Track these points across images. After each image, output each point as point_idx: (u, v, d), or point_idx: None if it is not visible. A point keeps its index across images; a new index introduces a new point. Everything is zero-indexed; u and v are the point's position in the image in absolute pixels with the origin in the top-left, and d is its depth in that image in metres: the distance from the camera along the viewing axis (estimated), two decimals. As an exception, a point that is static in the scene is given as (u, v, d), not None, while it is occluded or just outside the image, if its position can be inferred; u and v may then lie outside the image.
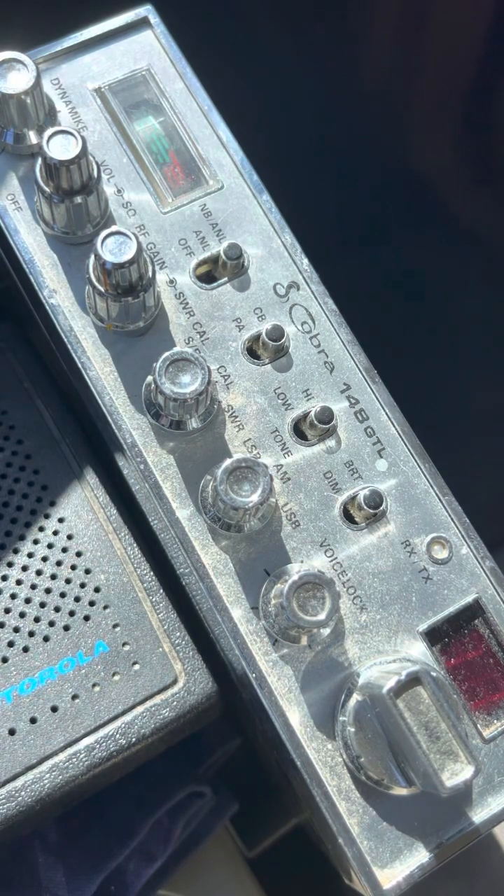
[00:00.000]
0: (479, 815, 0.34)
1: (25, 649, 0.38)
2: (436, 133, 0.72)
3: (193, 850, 0.48)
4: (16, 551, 0.40)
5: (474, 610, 0.36)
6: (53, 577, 0.40)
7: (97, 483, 0.42)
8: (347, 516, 0.37)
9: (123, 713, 0.38)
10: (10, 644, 0.38)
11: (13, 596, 0.39)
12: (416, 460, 0.38)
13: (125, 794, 0.44)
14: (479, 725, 0.35)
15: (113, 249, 0.35)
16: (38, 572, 0.40)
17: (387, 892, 0.33)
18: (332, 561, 0.36)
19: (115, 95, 0.41)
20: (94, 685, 0.38)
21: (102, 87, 0.41)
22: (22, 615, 0.39)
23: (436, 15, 0.67)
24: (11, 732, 0.37)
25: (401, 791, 0.33)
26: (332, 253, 0.46)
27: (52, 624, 0.39)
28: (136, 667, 0.39)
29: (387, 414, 0.38)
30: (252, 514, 0.34)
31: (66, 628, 0.39)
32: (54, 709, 0.37)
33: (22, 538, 0.40)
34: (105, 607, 0.39)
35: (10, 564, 0.40)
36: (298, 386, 0.38)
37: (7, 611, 0.39)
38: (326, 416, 0.37)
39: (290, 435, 0.37)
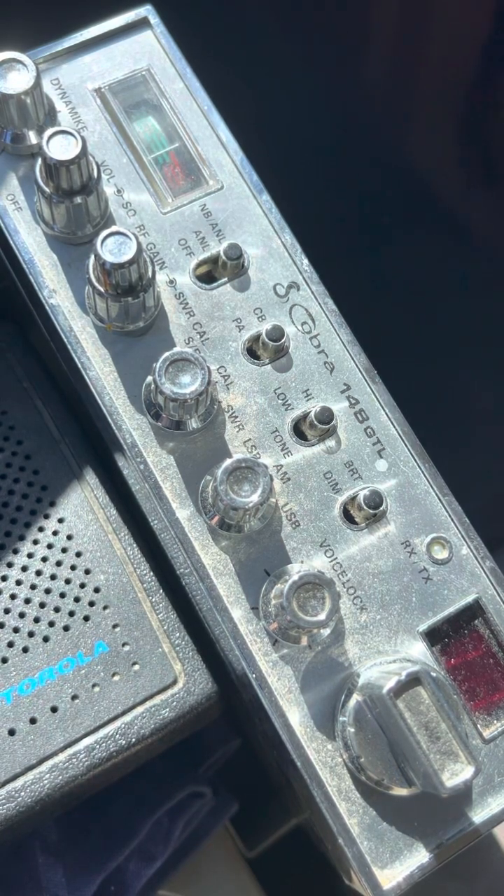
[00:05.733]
0: (479, 816, 0.34)
1: (25, 650, 0.38)
2: (436, 133, 0.72)
3: (193, 850, 0.48)
4: (16, 551, 0.40)
5: (474, 610, 0.36)
6: (53, 577, 0.40)
7: (97, 483, 0.42)
8: (347, 516, 0.37)
9: (123, 713, 0.38)
10: (10, 644, 0.38)
11: (13, 596, 0.39)
12: (416, 460, 0.38)
13: (125, 794, 0.44)
14: (479, 725, 0.35)
15: (113, 249, 0.35)
16: (38, 572, 0.40)
17: (387, 893, 0.33)
18: (332, 561, 0.36)
19: (115, 95, 0.41)
20: (93, 685, 0.38)
21: (102, 88, 0.41)
22: (21, 615, 0.39)
23: (436, 15, 0.67)
24: (11, 733, 0.37)
25: (401, 791, 0.33)
26: (332, 253, 0.46)
27: (51, 624, 0.39)
28: (136, 667, 0.39)
29: (387, 414, 0.38)
30: (252, 514, 0.34)
31: (66, 628, 0.39)
32: (54, 709, 0.37)
33: (22, 538, 0.40)
34: (105, 607, 0.39)
35: (9, 564, 0.40)
36: (298, 386, 0.38)
37: (7, 611, 0.39)
38: (326, 416, 0.37)
39: (290, 435, 0.37)
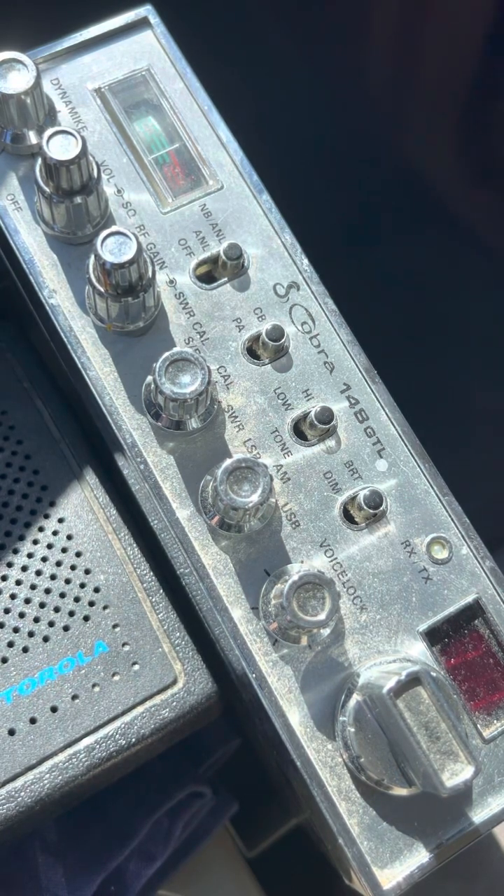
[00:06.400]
0: (479, 816, 0.34)
1: (25, 649, 0.38)
2: (436, 133, 0.72)
3: (193, 850, 0.48)
4: (16, 551, 0.40)
5: (474, 610, 0.36)
6: (53, 577, 0.40)
7: (97, 483, 0.42)
8: (347, 516, 0.37)
9: (123, 713, 0.38)
10: (10, 644, 0.38)
11: (13, 596, 0.39)
12: (416, 460, 0.38)
13: (125, 794, 0.44)
14: (479, 725, 0.35)
15: (113, 249, 0.35)
16: (38, 572, 0.40)
17: (387, 893, 0.33)
18: (332, 561, 0.36)
19: (115, 95, 0.41)
20: (93, 685, 0.38)
21: (102, 87, 0.41)
22: (21, 615, 0.39)
23: (436, 14, 0.67)
24: (11, 733, 0.37)
25: (401, 791, 0.33)
26: (332, 253, 0.46)
27: (51, 624, 0.39)
28: (136, 667, 0.39)
29: (387, 414, 0.38)
30: (252, 514, 0.34)
31: (66, 628, 0.39)
32: (54, 709, 0.37)
33: (22, 538, 0.40)
34: (105, 607, 0.39)
35: (9, 564, 0.40)
36: (298, 386, 0.38)
37: (7, 611, 0.39)
38: (326, 416, 0.37)
39: (290, 435, 0.37)
